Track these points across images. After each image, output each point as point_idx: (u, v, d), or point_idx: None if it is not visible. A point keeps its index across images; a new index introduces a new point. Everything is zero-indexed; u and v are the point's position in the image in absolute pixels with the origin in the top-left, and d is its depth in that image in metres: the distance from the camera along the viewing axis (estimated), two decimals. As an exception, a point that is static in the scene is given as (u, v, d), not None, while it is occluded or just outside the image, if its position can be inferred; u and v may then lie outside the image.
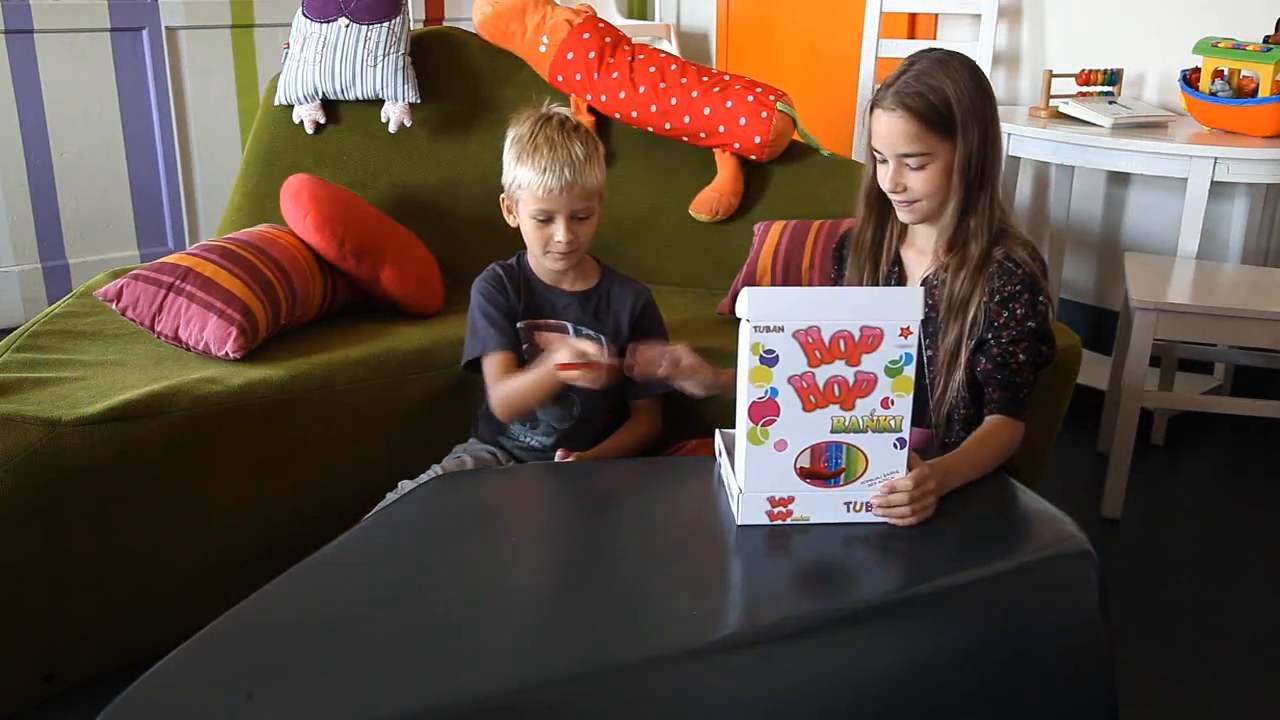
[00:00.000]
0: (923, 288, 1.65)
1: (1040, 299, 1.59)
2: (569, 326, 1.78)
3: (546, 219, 1.70)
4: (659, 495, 1.45)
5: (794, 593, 1.28)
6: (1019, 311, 1.58)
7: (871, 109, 1.61)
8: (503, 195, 1.77)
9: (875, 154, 1.63)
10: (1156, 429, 2.80)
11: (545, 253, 1.74)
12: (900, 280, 1.71)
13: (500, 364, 1.73)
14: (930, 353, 1.64)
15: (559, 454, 1.72)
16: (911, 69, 1.57)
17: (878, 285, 1.71)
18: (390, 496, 1.68)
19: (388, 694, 1.04)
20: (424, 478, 1.70)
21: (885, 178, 1.61)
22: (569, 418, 1.77)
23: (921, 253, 1.69)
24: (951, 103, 1.54)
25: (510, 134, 1.74)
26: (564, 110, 1.75)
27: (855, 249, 1.73)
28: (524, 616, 1.20)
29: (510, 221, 1.79)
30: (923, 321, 1.62)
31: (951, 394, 1.61)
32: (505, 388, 1.70)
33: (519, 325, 1.77)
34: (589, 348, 1.57)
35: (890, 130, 1.57)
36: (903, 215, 1.65)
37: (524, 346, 1.78)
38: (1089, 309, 3.34)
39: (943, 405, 1.63)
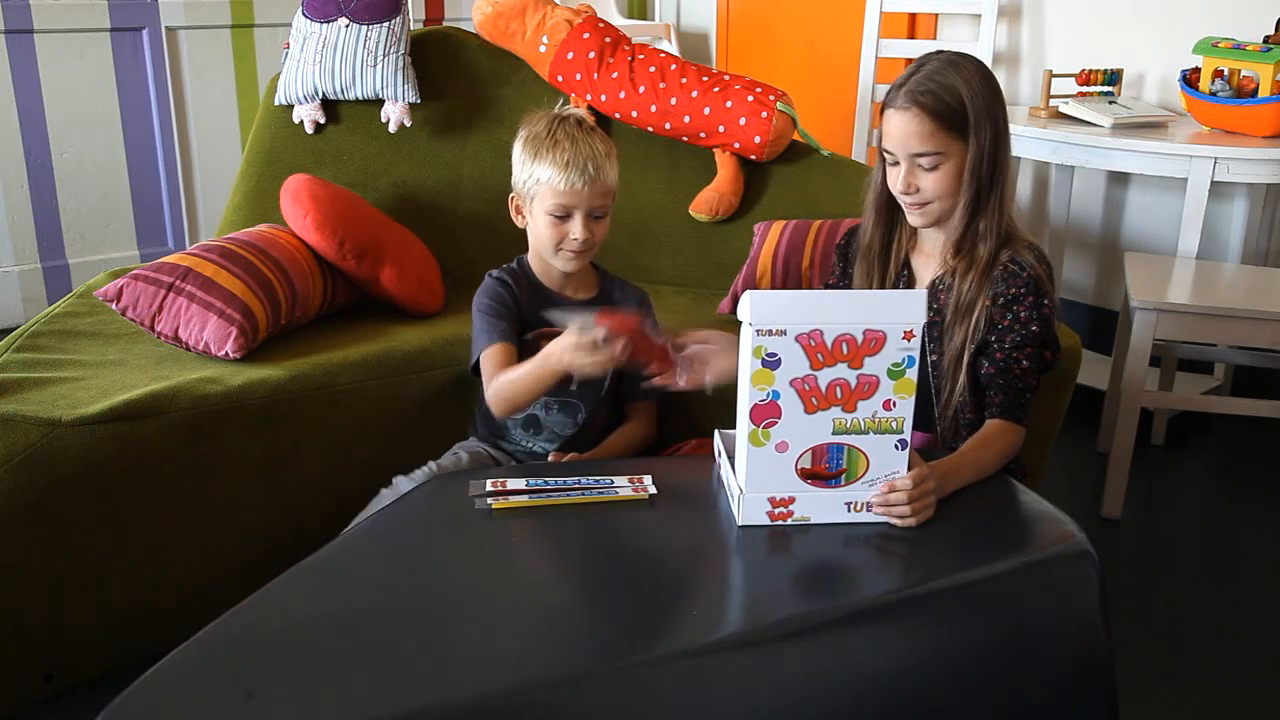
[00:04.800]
0: (927, 290, 1.64)
1: (1045, 302, 1.59)
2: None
3: (564, 215, 1.68)
4: (658, 496, 1.44)
5: (794, 593, 1.28)
6: (1022, 314, 1.58)
7: (883, 110, 1.60)
8: (512, 195, 1.75)
9: (886, 155, 1.62)
10: (1156, 429, 2.80)
11: (558, 251, 1.70)
12: (909, 286, 1.70)
13: (498, 355, 1.68)
14: (935, 357, 1.64)
15: (551, 455, 1.72)
16: (922, 69, 1.56)
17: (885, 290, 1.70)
18: (384, 492, 1.67)
19: (387, 694, 1.04)
20: (418, 474, 1.70)
21: (897, 180, 1.60)
22: (573, 425, 1.77)
23: (930, 257, 1.69)
24: (965, 101, 1.54)
25: (523, 133, 1.72)
26: (578, 110, 1.75)
27: (863, 255, 1.72)
28: (524, 617, 1.20)
29: (519, 222, 1.77)
30: (928, 325, 1.62)
31: (957, 397, 1.61)
32: (502, 379, 1.63)
33: (528, 336, 1.73)
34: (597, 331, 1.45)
35: (904, 130, 1.56)
36: (913, 219, 1.64)
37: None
38: (1089, 309, 3.34)
39: (949, 409, 1.63)
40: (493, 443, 1.83)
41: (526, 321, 1.74)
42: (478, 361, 1.72)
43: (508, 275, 1.77)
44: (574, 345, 1.46)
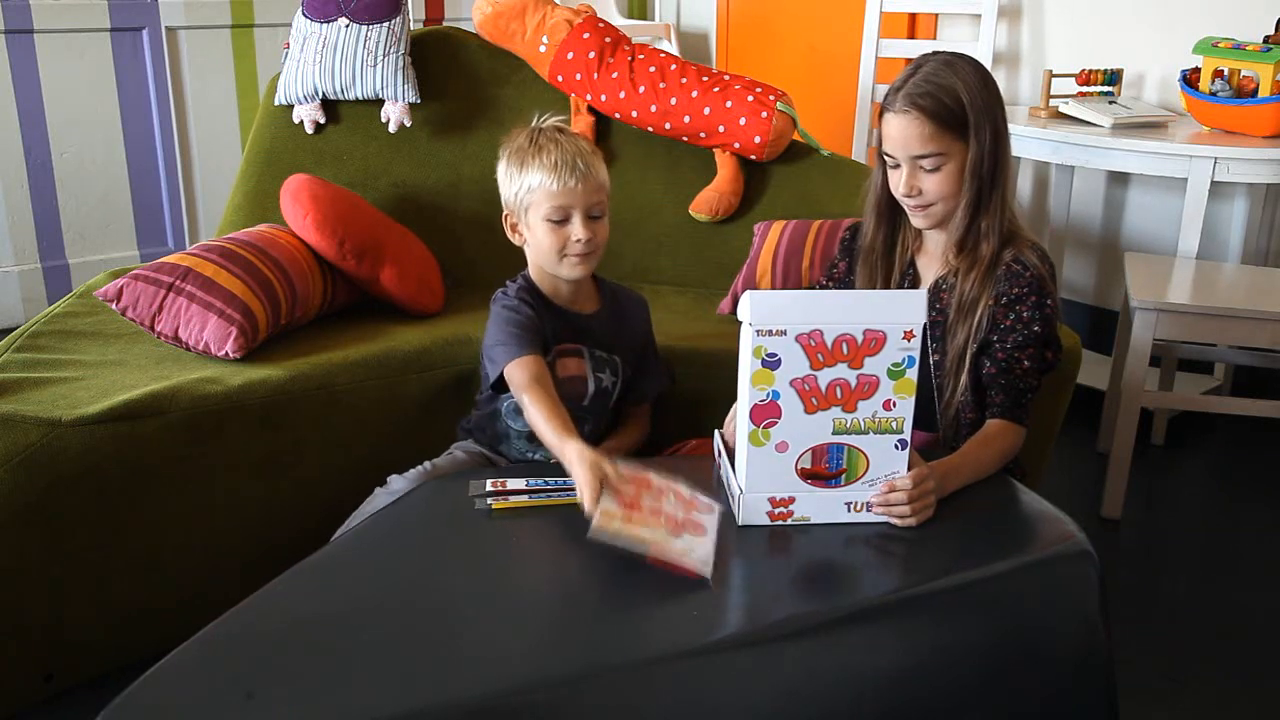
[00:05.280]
0: (928, 290, 1.64)
1: (1047, 302, 1.58)
2: (584, 351, 1.74)
3: (563, 218, 1.65)
4: (659, 495, 1.44)
5: (794, 593, 1.28)
6: (1025, 314, 1.58)
7: (881, 114, 1.60)
8: (505, 214, 1.72)
9: (886, 159, 1.61)
10: (1156, 429, 2.80)
11: (563, 257, 1.67)
12: (914, 287, 1.70)
13: (532, 365, 1.57)
14: (938, 356, 1.64)
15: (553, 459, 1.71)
16: (919, 71, 1.56)
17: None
18: (379, 491, 1.67)
19: (388, 694, 1.04)
20: (412, 473, 1.70)
21: (899, 183, 1.59)
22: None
23: (933, 257, 1.69)
24: (964, 101, 1.54)
25: (504, 152, 1.71)
26: (555, 120, 1.74)
27: (864, 257, 1.72)
28: (524, 617, 1.20)
29: (516, 240, 1.73)
30: (931, 324, 1.62)
31: (959, 397, 1.61)
32: (534, 411, 1.51)
33: (548, 358, 1.67)
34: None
35: (903, 132, 1.56)
36: (916, 221, 1.64)
37: None
38: (1089, 309, 3.34)
39: (950, 408, 1.63)
40: (490, 447, 1.82)
41: (546, 341, 1.69)
42: (500, 375, 1.61)
43: (524, 293, 1.71)
44: (586, 491, 1.33)
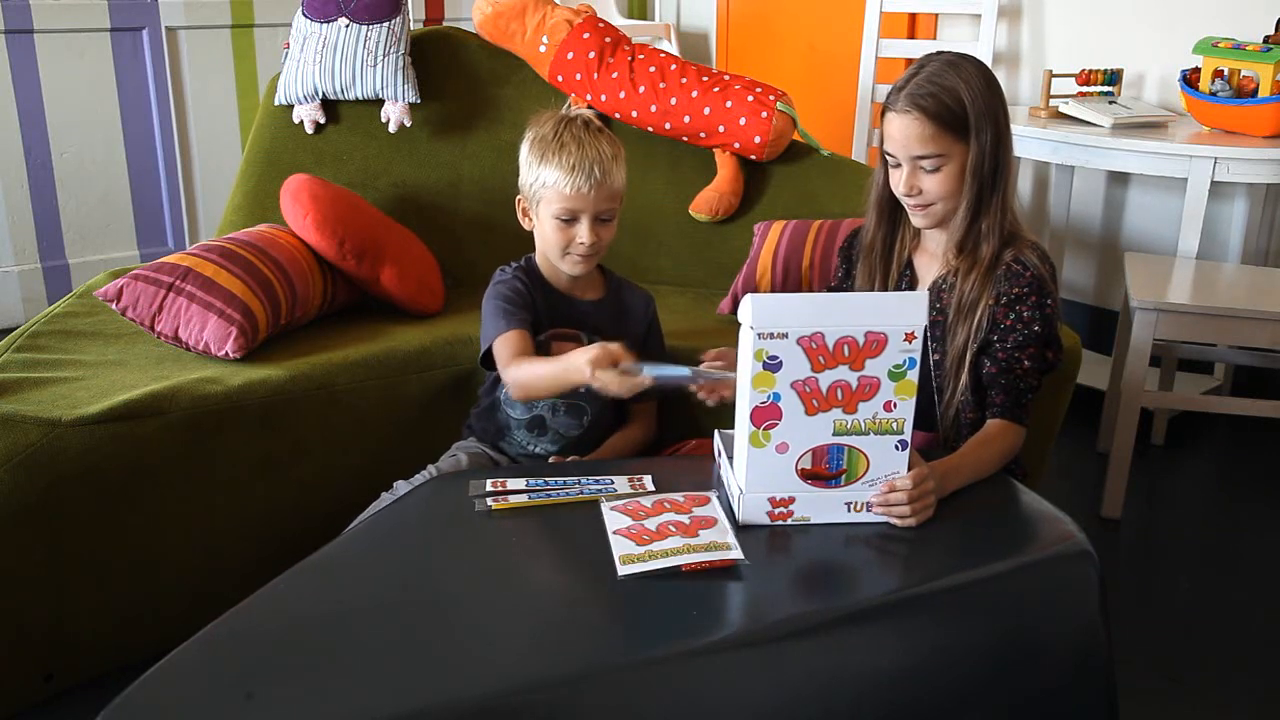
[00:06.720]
0: (929, 292, 1.64)
1: (1048, 302, 1.59)
2: (583, 336, 1.74)
3: (571, 219, 1.66)
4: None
5: (794, 593, 1.28)
6: (1025, 314, 1.58)
7: (883, 113, 1.60)
8: (519, 197, 1.74)
9: (887, 158, 1.62)
10: (1156, 429, 2.80)
11: (565, 255, 1.69)
12: (911, 286, 1.70)
13: (515, 341, 1.64)
14: (938, 357, 1.64)
15: (553, 459, 1.71)
16: (922, 71, 1.57)
17: (888, 290, 1.70)
18: (385, 497, 1.67)
19: (387, 694, 1.04)
20: (418, 479, 1.70)
21: (899, 182, 1.60)
22: (579, 426, 1.76)
23: (933, 257, 1.69)
24: (965, 103, 1.54)
25: (529, 134, 1.71)
26: (586, 111, 1.73)
27: (865, 255, 1.72)
28: (524, 617, 1.20)
29: (526, 225, 1.75)
30: (931, 325, 1.62)
31: (959, 397, 1.61)
32: (525, 370, 1.60)
33: (540, 337, 1.71)
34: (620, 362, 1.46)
35: (904, 132, 1.56)
36: (916, 220, 1.64)
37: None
38: (1089, 309, 3.34)
39: (950, 409, 1.63)
40: (492, 443, 1.82)
41: (539, 320, 1.72)
42: (487, 352, 1.68)
43: (521, 273, 1.74)
44: (597, 360, 1.45)
